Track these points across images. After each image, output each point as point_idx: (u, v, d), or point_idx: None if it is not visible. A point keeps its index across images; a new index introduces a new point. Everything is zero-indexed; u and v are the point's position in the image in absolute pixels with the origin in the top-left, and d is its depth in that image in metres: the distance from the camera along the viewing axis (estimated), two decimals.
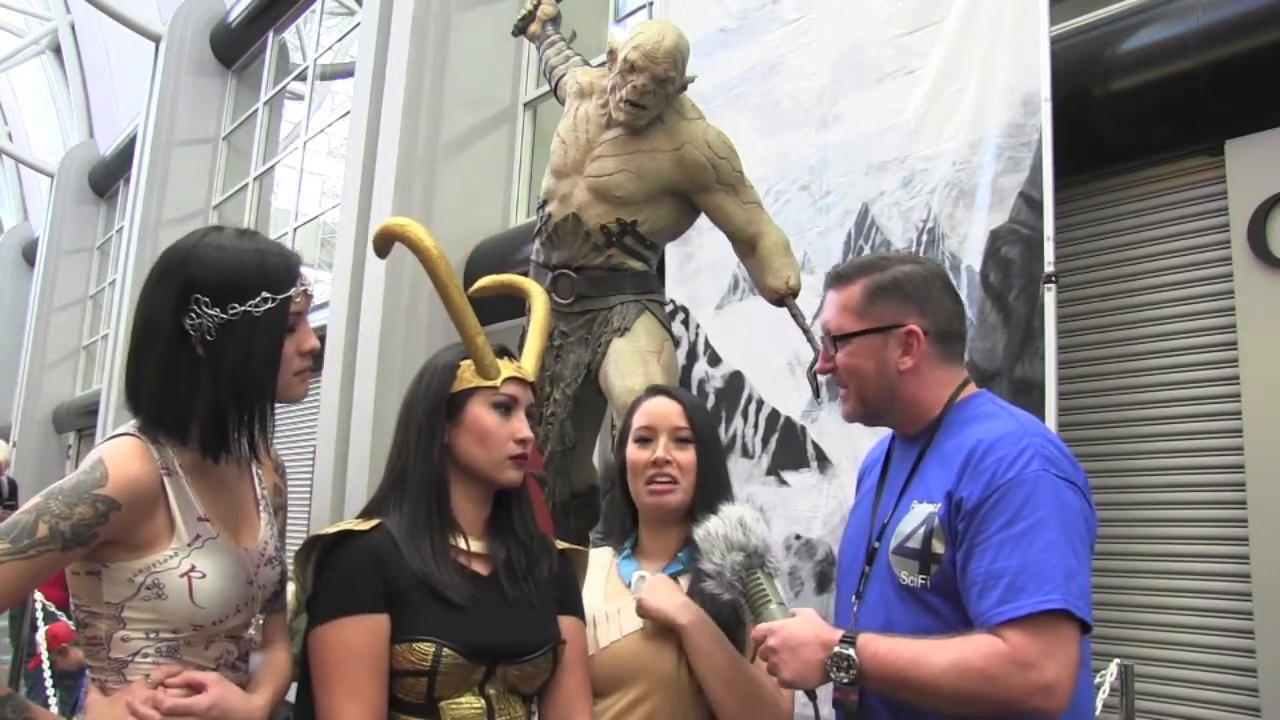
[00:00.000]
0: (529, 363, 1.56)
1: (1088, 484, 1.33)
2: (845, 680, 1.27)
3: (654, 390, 1.79)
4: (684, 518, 1.65)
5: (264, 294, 1.25)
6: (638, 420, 1.69)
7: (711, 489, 1.64)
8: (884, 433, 1.60)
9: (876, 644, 1.27)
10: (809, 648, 1.30)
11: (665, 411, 1.67)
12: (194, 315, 1.23)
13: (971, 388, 1.48)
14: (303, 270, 1.33)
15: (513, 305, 1.95)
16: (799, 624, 1.33)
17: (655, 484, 1.63)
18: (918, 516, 1.36)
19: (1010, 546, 1.24)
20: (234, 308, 1.23)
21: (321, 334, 6.39)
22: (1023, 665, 1.19)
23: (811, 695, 1.38)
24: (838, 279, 1.52)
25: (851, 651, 1.27)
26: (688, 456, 1.64)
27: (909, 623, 1.33)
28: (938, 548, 1.32)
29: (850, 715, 1.39)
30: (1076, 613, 1.21)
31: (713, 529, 1.43)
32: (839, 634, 1.30)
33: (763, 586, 1.39)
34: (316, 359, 1.39)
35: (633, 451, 1.66)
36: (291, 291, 1.28)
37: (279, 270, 1.28)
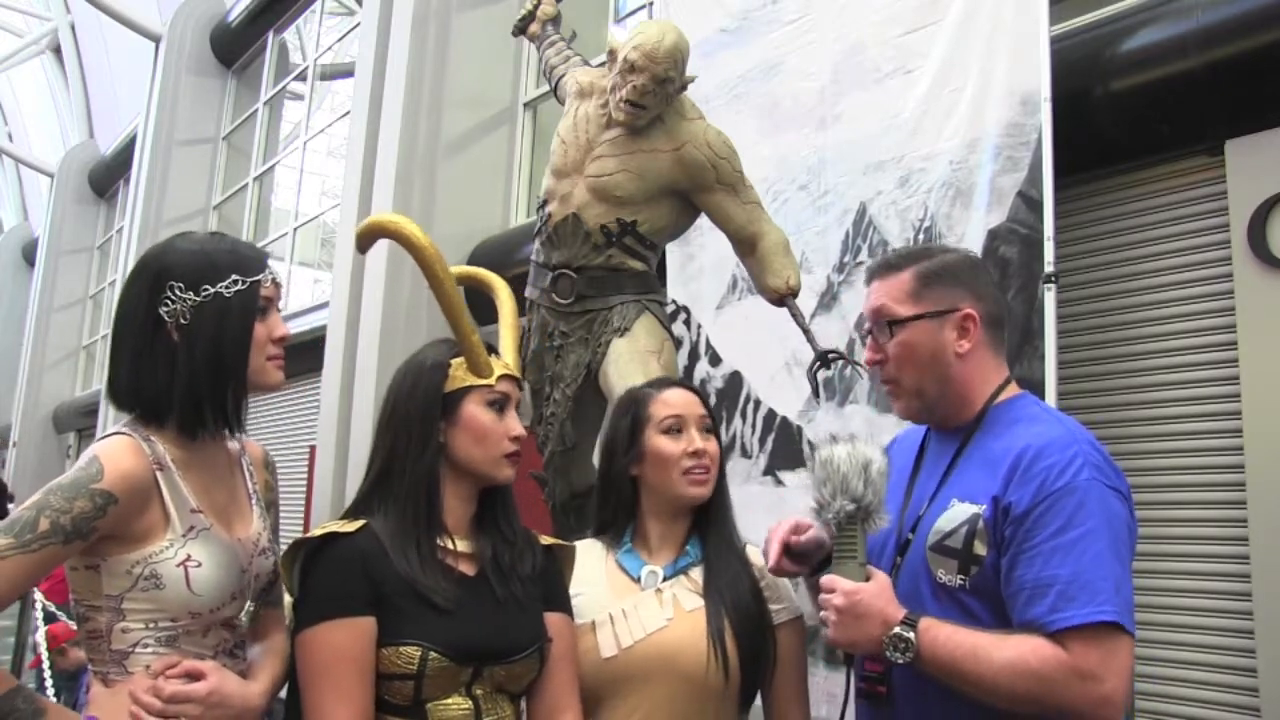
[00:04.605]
0: (510, 358, 1.55)
1: (1130, 491, 1.33)
2: (901, 661, 1.28)
3: (668, 381, 1.77)
4: (694, 507, 1.65)
5: (234, 276, 1.32)
6: (662, 410, 1.65)
7: (723, 479, 1.67)
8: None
9: (937, 630, 1.27)
10: (871, 622, 1.29)
11: (691, 401, 1.67)
12: (169, 302, 1.30)
13: (1014, 388, 1.46)
14: (271, 263, 1.40)
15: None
16: (870, 594, 1.31)
17: (694, 474, 1.61)
18: (959, 515, 1.34)
19: (1061, 555, 1.23)
20: (206, 290, 1.30)
21: (321, 334, 6.40)
22: (1081, 675, 1.19)
23: (849, 660, 1.41)
24: (884, 267, 1.50)
25: (912, 635, 1.27)
26: (714, 447, 1.65)
27: (943, 620, 1.32)
28: (980, 550, 1.31)
29: (876, 708, 1.40)
30: (1127, 626, 1.21)
31: (838, 463, 1.37)
32: (902, 613, 1.29)
33: (854, 541, 1.36)
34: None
35: (664, 442, 1.62)
36: (261, 276, 1.35)
37: (249, 258, 1.36)
